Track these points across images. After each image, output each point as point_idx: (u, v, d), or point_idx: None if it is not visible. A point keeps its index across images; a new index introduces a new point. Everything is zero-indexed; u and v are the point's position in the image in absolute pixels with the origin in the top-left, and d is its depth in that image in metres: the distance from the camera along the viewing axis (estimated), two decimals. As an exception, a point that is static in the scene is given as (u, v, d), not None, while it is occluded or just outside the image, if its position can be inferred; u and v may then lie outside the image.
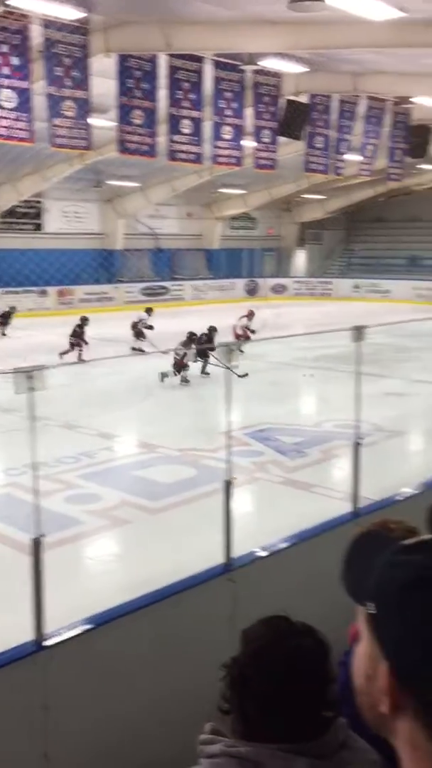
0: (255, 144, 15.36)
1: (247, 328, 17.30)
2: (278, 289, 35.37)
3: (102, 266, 30.98)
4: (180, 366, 14.22)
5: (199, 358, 14.46)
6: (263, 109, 14.86)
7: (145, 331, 18.11)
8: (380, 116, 17.43)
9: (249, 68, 13.60)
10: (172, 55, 12.79)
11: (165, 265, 33.30)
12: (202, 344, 14.92)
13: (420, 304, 30.05)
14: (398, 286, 33.33)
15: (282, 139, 15.62)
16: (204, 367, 14.66)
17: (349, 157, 18.20)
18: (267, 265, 37.64)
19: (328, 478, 8.97)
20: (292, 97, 15.39)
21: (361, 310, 24.60)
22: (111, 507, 8.03)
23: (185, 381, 14.43)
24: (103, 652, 3.90)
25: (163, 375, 14.03)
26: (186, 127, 13.71)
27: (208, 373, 14.73)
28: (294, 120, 15.42)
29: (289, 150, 17.22)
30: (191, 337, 15.11)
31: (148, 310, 19.26)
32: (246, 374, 13.01)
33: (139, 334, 18.05)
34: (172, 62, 13.00)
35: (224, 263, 35.24)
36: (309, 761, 1.37)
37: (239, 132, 14.70)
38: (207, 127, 14.18)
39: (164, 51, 12.38)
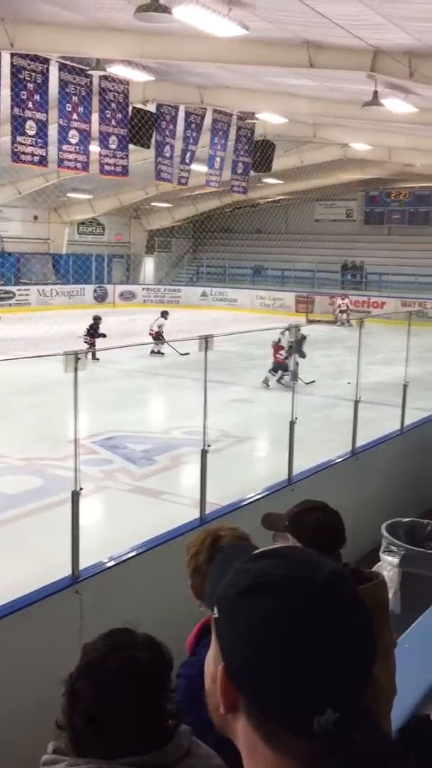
0: (100, 149, 15.24)
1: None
2: (127, 296, 35.29)
3: None
4: (279, 366, 14.47)
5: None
6: (110, 115, 14.79)
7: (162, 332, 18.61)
8: (226, 129, 17.87)
9: (96, 73, 13.49)
10: (16, 55, 12.45)
11: (10, 269, 32.28)
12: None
13: (264, 313, 31.09)
14: (244, 295, 34.31)
15: (131, 146, 15.63)
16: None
17: (196, 167, 18.52)
18: (116, 271, 37.45)
19: (177, 484, 9.06)
20: (139, 105, 15.44)
21: (209, 318, 25.08)
22: None
23: (282, 382, 14.40)
24: None
25: (267, 380, 14.37)
26: (30, 128, 13.37)
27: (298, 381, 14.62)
28: (141, 128, 15.47)
29: (137, 157, 17.25)
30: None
31: (165, 314, 19.66)
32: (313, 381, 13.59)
33: (157, 338, 18.30)
34: (17, 62, 12.66)
35: (72, 269, 34.69)
36: None
37: (86, 137, 14.54)
38: (53, 130, 13.93)
39: (7, 50, 12.03)
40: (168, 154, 16.60)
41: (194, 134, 17.05)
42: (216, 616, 0.92)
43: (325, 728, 0.82)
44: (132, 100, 15.05)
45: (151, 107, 15.78)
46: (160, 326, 19.20)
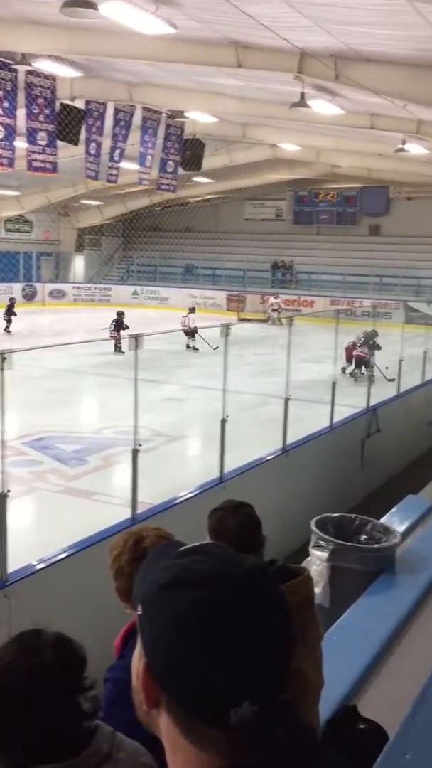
0: (28, 146, 14.98)
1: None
2: (57, 295, 34.79)
3: None
4: (362, 361, 15.18)
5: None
6: (37, 110, 14.54)
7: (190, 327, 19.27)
8: (156, 128, 17.79)
9: (21, 68, 13.23)
10: None
11: None
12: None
13: (196, 312, 31.09)
14: (175, 294, 34.28)
15: (60, 142, 15.41)
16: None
17: (126, 165, 18.38)
18: (45, 269, 36.86)
19: (109, 484, 9.00)
20: (67, 101, 15.23)
21: (141, 317, 24.95)
22: None
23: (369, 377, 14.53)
24: None
25: (355, 375, 14.88)
26: None
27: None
28: (69, 124, 15.27)
29: (66, 154, 17.02)
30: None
31: (192, 309, 21.52)
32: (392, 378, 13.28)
33: (191, 334, 19.27)
34: None
35: (-1, 266, 34.00)
36: None
37: (11, 132, 14.24)
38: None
39: None
40: (94, 152, 16.44)
41: (123, 132, 16.93)
42: (139, 613, 0.93)
43: (242, 721, 0.83)
44: (60, 96, 14.84)
45: (80, 103, 15.60)
46: (192, 322, 20.15)
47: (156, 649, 0.89)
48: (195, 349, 19.40)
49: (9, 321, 23.70)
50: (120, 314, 20.15)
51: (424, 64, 10.49)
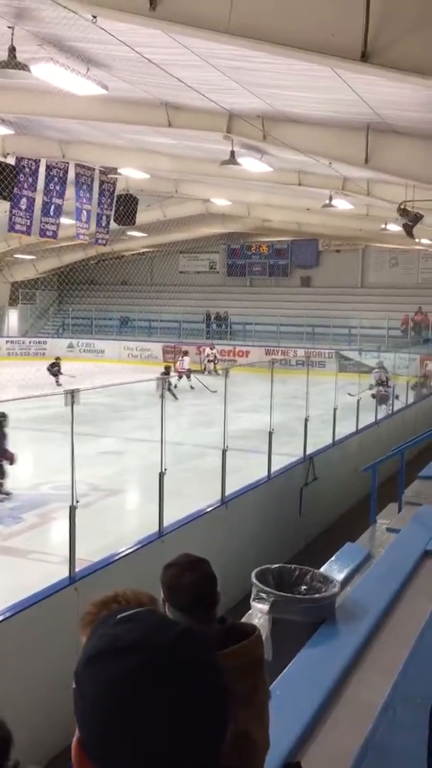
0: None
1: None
2: (-10, 349, 34.32)
3: None
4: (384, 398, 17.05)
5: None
6: (-31, 167, 14.59)
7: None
8: (90, 183, 17.97)
9: None
10: None
11: None
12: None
13: (132, 364, 31.11)
14: (111, 346, 34.26)
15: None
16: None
17: (63, 220, 18.44)
18: (-23, 324, 36.42)
19: (46, 542, 8.81)
20: (-1, 158, 15.31)
21: (77, 370, 24.79)
22: None
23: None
24: None
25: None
26: None
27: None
28: (2, 181, 15.31)
29: (-2, 210, 17.06)
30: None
31: (186, 353, 26.00)
32: None
33: (188, 375, 23.46)
34: None
35: None
36: None
37: None
38: None
39: None
40: (25, 207, 16.48)
41: (57, 187, 17.04)
42: (73, 686, 0.91)
43: None
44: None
45: (11, 160, 15.68)
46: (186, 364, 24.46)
47: (87, 721, 0.86)
48: (191, 388, 22.22)
49: (56, 375, 25.39)
50: (167, 368, 22.93)
51: (346, 126, 10.98)
